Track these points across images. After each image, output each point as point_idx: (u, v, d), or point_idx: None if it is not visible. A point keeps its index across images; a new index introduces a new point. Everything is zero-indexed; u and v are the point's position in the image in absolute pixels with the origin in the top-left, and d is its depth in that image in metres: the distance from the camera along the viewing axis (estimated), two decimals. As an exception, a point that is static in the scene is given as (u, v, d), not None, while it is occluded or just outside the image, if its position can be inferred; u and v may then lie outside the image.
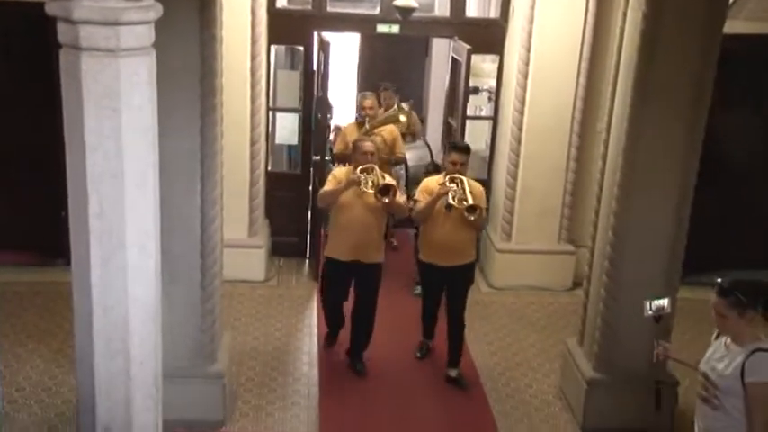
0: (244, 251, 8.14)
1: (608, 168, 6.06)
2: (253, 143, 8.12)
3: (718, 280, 4.30)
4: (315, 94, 8.72)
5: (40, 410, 6.09)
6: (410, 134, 9.30)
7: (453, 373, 6.80)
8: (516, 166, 8.29)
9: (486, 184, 9.02)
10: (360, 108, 8.56)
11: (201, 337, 5.80)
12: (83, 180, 2.71)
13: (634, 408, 6.02)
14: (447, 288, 6.80)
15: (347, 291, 6.81)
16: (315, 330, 7.54)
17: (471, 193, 6.49)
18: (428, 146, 9.79)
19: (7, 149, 7.99)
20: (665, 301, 4.95)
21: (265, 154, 8.58)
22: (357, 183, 6.35)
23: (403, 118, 8.58)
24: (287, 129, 8.97)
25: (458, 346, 6.82)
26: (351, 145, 7.29)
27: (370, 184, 6.38)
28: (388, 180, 6.58)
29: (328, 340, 7.27)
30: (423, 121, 11.69)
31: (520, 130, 8.20)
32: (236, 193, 7.75)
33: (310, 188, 8.82)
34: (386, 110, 9.20)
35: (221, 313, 6.14)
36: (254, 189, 8.26)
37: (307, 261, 8.93)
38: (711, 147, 6.17)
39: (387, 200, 6.33)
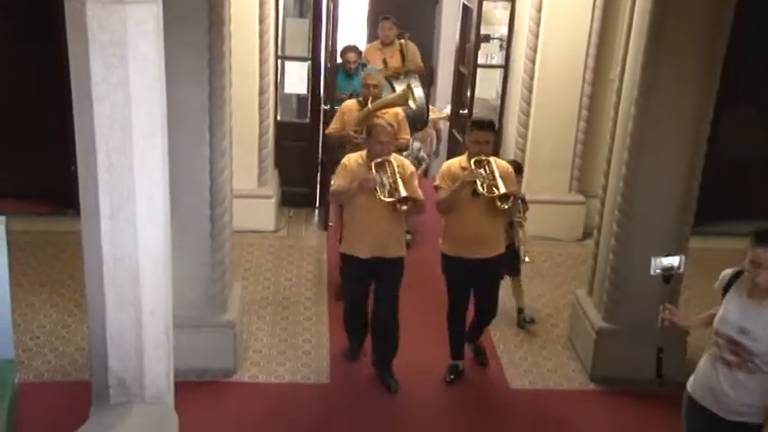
0: (253, 201, 8.14)
1: (620, 118, 6.00)
2: (261, 92, 8.06)
3: (755, 229, 4.08)
4: (325, 42, 8.62)
5: (54, 358, 6.17)
6: (410, 69, 9.06)
7: (469, 347, 6.43)
8: (527, 115, 8.22)
9: (497, 134, 8.98)
10: (363, 85, 7.43)
11: (212, 287, 5.84)
12: (91, 132, 2.70)
13: (643, 357, 6.05)
14: (476, 284, 6.09)
15: (368, 289, 6.06)
16: (325, 280, 7.57)
17: (501, 177, 5.77)
18: (427, 102, 9.38)
19: (20, 100, 7.99)
20: (675, 260, 4.58)
21: (274, 103, 8.54)
22: (372, 188, 5.61)
23: (413, 104, 7.54)
24: (296, 78, 8.89)
25: (480, 330, 6.42)
26: (346, 126, 7.14)
27: (387, 189, 5.63)
28: (408, 190, 5.66)
29: (351, 353, 6.39)
30: (433, 71, 11.58)
31: (531, 78, 8.11)
32: (245, 143, 7.73)
33: (320, 138, 8.78)
34: (383, 42, 9.12)
35: (231, 263, 6.17)
36: (264, 139, 8.23)
37: (316, 211, 8.93)
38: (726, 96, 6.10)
39: (405, 208, 5.64)
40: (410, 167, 5.94)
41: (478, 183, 5.68)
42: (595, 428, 5.30)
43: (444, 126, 10.48)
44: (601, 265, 6.25)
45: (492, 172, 5.75)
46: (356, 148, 6.50)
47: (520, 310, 6.93)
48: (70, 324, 6.59)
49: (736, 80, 7.19)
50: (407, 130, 7.55)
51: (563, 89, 8.09)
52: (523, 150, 8.31)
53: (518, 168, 6.55)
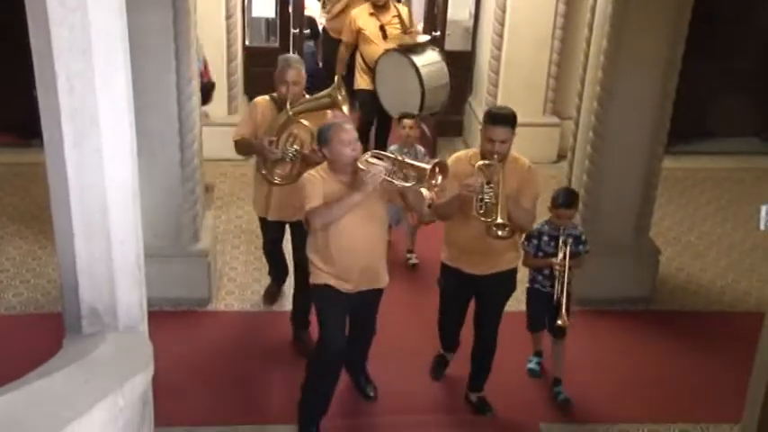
0: (225, 129, 8.02)
1: (594, 36, 5.96)
2: (228, 16, 7.93)
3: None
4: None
5: (25, 291, 6.18)
6: (407, 32, 7.57)
7: (474, 396, 5.34)
8: (501, 35, 8.15)
9: (470, 55, 8.90)
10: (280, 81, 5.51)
11: (183, 216, 5.84)
12: (49, 57, 2.64)
13: (618, 276, 6.17)
14: (476, 299, 5.15)
15: (345, 325, 4.86)
16: (298, 207, 7.57)
17: (511, 196, 4.69)
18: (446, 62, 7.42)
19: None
20: None
21: (242, 28, 8.38)
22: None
23: (345, 108, 5.40)
24: (263, 0, 8.71)
25: (485, 367, 5.25)
26: (258, 131, 5.39)
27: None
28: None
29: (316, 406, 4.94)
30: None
31: (504, -2, 8.02)
32: (213, 68, 7.60)
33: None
34: (375, 4, 7.61)
35: (203, 193, 6.15)
36: (232, 65, 8.12)
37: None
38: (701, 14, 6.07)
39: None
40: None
41: (475, 201, 4.63)
42: (574, 348, 5.42)
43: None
44: (575, 186, 6.29)
45: (496, 193, 4.62)
46: (271, 165, 5.35)
47: (556, 382, 5.48)
48: (40, 256, 6.57)
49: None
50: None
51: (537, 9, 8.01)
52: (497, 73, 8.27)
53: (569, 200, 5.35)
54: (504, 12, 8.05)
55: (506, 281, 5.04)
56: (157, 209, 5.56)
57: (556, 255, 5.17)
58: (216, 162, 7.61)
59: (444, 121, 8.57)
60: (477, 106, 8.60)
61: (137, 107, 3.07)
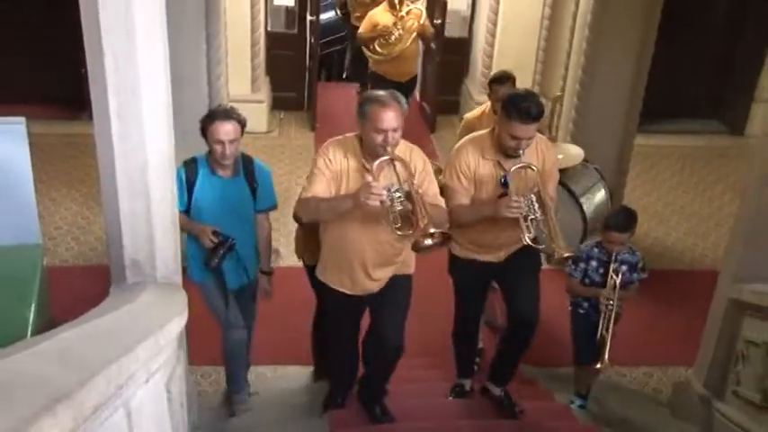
0: (248, 105, 7.93)
1: (577, 26, 5.92)
2: (253, 5, 7.88)
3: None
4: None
5: (75, 245, 6.20)
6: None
7: (497, 390, 4.18)
8: (495, 24, 8.10)
9: (467, 41, 8.84)
10: None
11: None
12: (98, 37, 2.63)
13: (595, 238, 6.17)
14: (501, 281, 4.04)
15: (359, 323, 3.93)
16: (314, 175, 7.56)
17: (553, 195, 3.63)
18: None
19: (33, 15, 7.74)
20: None
21: (265, 15, 8.32)
22: (372, 204, 3.23)
23: None
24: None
25: (514, 361, 4.11)
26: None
27: (397, 211, 3.28)
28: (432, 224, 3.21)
29: (332, 400, 4.17)
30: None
31: (498, -9, 7.96)
32: (239, 51, 7.59)
33: (307, 47, 8.61)
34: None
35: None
36: (256, 48, 8.07)
37: (305, 114, 8.84)
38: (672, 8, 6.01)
39: (431, 243, 3.21)
40: (424, 161, 3.52)
41: (522, 221, 3.42)
42: (550, 299, 5.43)
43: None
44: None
45: (539, 200, 3.43)
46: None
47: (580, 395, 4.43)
48: (88, 216, 6.59)
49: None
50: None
51: (527, 1, 7.95)
52: (491, 57, 8.22)
53: (626, 223, 4.01)
54: (498, 3, 8.02)
55: (530, 253, 3.72)
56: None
57: (605, 284, 3.98)
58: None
59: (442, 100, 8.55)
60: (472, 87, 8.56)
61: (172, 84, 3.06)
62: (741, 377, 4.05)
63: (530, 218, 3.45)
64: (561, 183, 4.55)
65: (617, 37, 5.60)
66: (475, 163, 3.64)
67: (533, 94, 3.66)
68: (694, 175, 7.94)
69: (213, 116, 3.94)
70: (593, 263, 4.10)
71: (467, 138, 3.81)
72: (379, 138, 3.28)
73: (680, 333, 5.44)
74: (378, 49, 7.50)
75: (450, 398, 4.33)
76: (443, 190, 3.63)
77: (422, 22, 7.41)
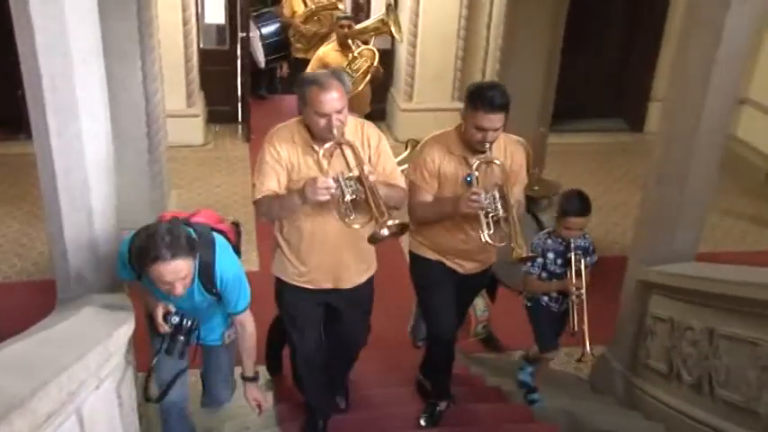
0: (183, 120, 7.96)
1: (492, 36, 6.07)
2: (185, 23, 7.78)
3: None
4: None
5: (18, 262, 6.02)
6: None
7: (443, 405, 3.84)
8: (415, 36, 8.21)
9: (391, 53, 8.94)
10: None
11: (153, 194, 5.76)
12: (34, 59, 2.59)
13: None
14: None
15: (319, 328, 3.55)
16: (250, 185, 7.51)
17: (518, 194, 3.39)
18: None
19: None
20: None
21: (197, 32, 8.25)
22: (325, 199, 2.94)
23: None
24: (215, 8, 8.57)
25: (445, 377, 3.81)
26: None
27: (348, 202, 2.95)
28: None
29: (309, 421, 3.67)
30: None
31: (417, 4, 8.07)
32: (173, 68, 7.49)
33: (238, 63, 8.57)
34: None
35: (168, 174, 6.07)
36: (189, 64, 7.99)
37: (239, 126, 8.79)
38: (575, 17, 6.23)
39: (388, 233, 2.89)
40: (378, 137, 3.20)
41: (482, 217, 3.18)
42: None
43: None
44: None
45: (503, 196, 3.21)
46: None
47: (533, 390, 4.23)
48: (30, 233, 6.40)
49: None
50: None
51: (444, 13, 8.08)
52: (413, 66, 8.34)
53: (585, 205, 3.87)
54: (417, 16, 8.12)
55: (487, 273, 3.72)
56: (129, 188, 5.45)
57: (564, 275, 3.74)
58: (176, 148, 7.50)
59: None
60: (397, 94, 8.67)
61: (110, 102, 3.04)
62: (651, 350, 4.25)
63: (491, 214, 3.20)
64: None
65: (527, 45, 5.76)
66: (440, 158, 3.35)
67: (498, 84, 3.44)
68: (602, 170, 8.20)
69: (155, 257, 2.75)
70: (551, 255, 3.80)
71: (433, 134, 3.50)
72: (322, 122, 2.93)
73: (597, 314, 5.60)
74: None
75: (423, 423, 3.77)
76: (408, 187, 3.34)
77: (375, 63, 6.60)
